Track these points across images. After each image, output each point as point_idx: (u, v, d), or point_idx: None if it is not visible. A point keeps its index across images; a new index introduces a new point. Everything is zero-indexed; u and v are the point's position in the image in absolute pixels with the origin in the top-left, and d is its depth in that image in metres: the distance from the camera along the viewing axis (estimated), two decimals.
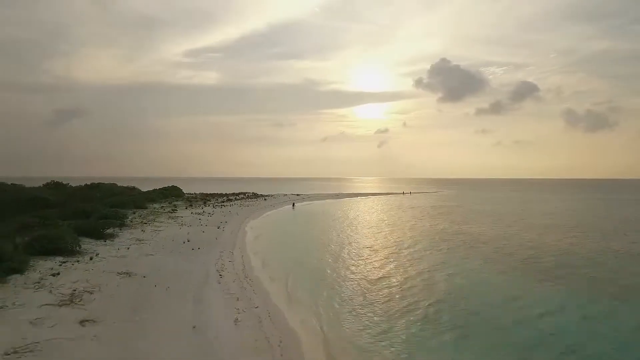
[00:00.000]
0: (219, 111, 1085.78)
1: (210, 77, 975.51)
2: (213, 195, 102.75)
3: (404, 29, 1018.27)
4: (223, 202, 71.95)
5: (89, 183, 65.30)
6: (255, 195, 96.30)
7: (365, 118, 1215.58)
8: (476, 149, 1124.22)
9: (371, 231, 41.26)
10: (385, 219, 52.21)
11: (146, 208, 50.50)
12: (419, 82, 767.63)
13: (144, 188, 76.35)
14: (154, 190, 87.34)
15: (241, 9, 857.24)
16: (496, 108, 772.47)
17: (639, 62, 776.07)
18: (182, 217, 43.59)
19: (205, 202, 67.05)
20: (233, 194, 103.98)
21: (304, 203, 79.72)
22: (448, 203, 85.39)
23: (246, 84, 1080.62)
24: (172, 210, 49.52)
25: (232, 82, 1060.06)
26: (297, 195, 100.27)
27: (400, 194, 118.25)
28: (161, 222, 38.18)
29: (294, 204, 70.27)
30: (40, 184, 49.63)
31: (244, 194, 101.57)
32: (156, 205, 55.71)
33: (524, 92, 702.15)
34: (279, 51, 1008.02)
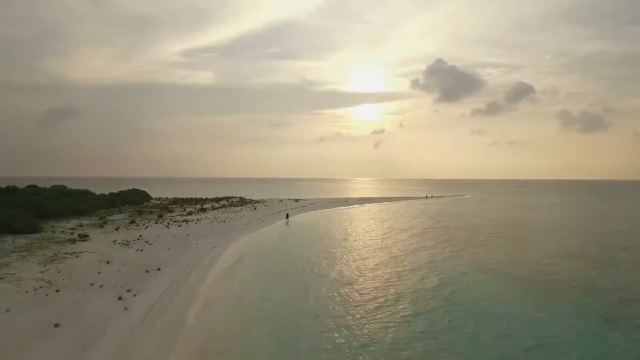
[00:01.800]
0: (215, 111, 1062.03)
1: (206, 77, 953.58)
2: (189, 200, 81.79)
3: (400, 30, 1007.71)
4: (191, 212, 50.83)
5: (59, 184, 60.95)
6: (243, 201, 75.26)
7: (362, 118, 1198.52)
8: (472, 150, 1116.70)
9: None
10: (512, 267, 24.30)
11: (39, 232, 29.49)
12: (415, 83, 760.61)
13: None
14: (111, 194, 66.42)
15: (238, 9, 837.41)
16: (492, 109, 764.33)
17: (632, 64, 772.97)
18: (75, 254, 22.54)
19: (161, 216, 45.83)
20: (216, 199, 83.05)
21: (306, 213, 58.92)
22: (508, 214, 65.07)
23: (242, 84, 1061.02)
24: (80, 237, 28.28)
25: (228, 82, 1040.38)
26: (296, 200, 79.47)
27: (423, 198, 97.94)
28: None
29: (287, 217, 49.79)
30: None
31: (228, 199, 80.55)
32: (69, 224, 34.66)
33: (520, 93, 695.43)
34: (276, 51, 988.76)
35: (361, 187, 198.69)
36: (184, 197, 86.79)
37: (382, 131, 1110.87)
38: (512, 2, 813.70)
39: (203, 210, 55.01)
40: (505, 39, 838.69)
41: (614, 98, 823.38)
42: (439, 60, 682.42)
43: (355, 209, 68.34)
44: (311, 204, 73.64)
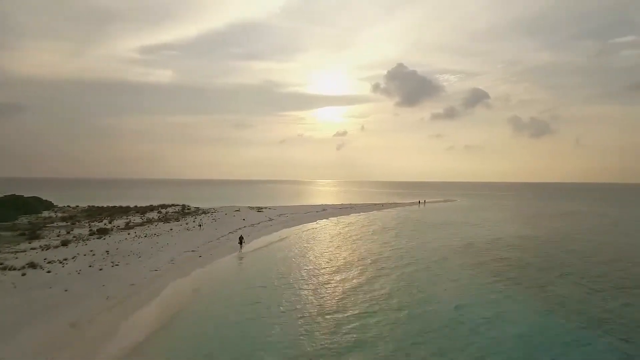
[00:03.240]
0: (176, 111, 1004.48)
1: (166, 75, 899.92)
2: (108, 209, 59.52)
3: (363, 34, 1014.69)
4: (78, 237, 29.57)
5: None
6: (183, 212, 54.28)
7: (325, 121, 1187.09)
8: (431, 153, 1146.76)
9: None
10: None
11: None
12: (376, 87, 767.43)
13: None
14: None
15: (200, 7, 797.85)
16: (450, 113, 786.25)
17: (576, 75, 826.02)
18: None
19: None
20: (150, 207, 61.27)
21: (273, 235, 39.37)
22: (542, 226, 49.07)
23: (204, 83, 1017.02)
24: None
25: (189, 81, 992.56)
26: (259, 210, 59.57)
27: (415, 204, 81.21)
28: None
29: (242, 242, 30.59)
30: None
31: (165, 208, 58.94)
32: None
33: (476, 98, 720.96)
34: (239, 51, 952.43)
35: (329, 190, 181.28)
36: (106, 206, 64.02)
37: (344, 134, 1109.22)
38: (468, 13, 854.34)
39: (105, 231, 33.77)
40: (462, 48, 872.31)
41: (560, 106, 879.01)
42: (400, 65, 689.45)
43: (342, 223, 49.56)
44: (280, 214, 53.98)
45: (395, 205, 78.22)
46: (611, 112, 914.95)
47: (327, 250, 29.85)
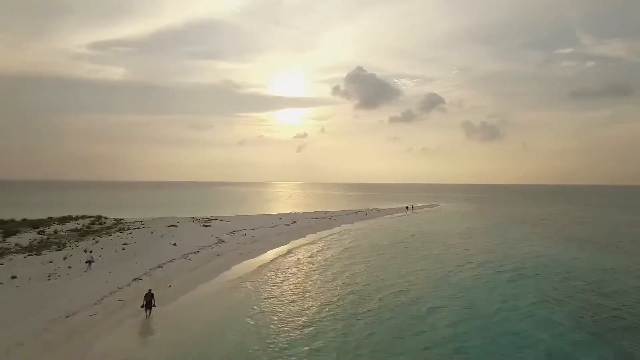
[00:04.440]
0: (127, 109, 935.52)
1: (118, 72, 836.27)
2: None
3: (323, 37, 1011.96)
4: None
5: None
6: (91, 229, 36.49)
7: (285, 123, 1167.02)
8: (389, 155, 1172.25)
9: None
10: None
11: None
12: (336, 89, 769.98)
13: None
14: None
15: (157, 3, 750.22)
16: (407, 117, 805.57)
17: (523, 82, 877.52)
18: None
19: None
20: (47, 221, 41.81)
21: (221, 281, 23.50)
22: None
23: (160, 82, 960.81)
24: None
25: (144, 80, 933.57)
26: (205, 223, 42.96)
27: (402, 210, 67.53)
28: None
29: (150, 303, 14.87)
30: None
31: (62, 224, 40.31)
32: None
33: (432, 103, 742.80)
34: (197, 50, 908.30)
35: (293, 194, 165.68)
36: None
37: (304, 135, 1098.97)
38: (425, 20, 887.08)
39: None
40: (419, 53, 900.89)
41: (508, 112, 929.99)
42: (359, 68, 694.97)
43: (332, 249, 34.24)
44: (233, 231, 37.66)
45: (380, 212, 64.20)
46: (553, 118, 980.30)
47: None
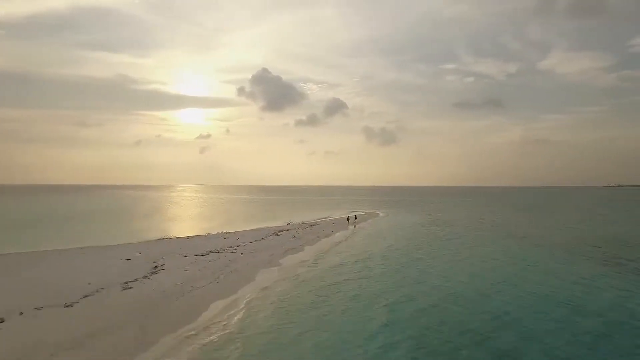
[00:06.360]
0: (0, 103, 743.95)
1: None
2: None
3: (229, 37, 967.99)
4: None
5: None
6: None
7: (187, 123, 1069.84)
8: (295, 158, 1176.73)
9: None
10: None
11: None
12: (241, 90, 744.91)
13: None
14: None
15: None
16: (312, 120, 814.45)
17: (416, 92, 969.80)
18: None
19: None
20: None
21: None
22: None
23: (39, 72, 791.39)
24: None
25: (16, 68, 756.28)
26: None
27: (342, 222, 44.72)
28: None
29: None
30: None
31: None
32: None
33: (335, 108, 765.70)
34: (87, 39, 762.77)
35: (185, 198, 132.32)
36: None
37: (208, 136, 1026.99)
38: (330, 28, 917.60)
39: None
40: (324, 59, 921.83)
41: (404, 119, 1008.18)
42: (265, 70, 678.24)
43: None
44: None
45: (312, 229, 40.05)
46: (442, 126, 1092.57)
47: None
